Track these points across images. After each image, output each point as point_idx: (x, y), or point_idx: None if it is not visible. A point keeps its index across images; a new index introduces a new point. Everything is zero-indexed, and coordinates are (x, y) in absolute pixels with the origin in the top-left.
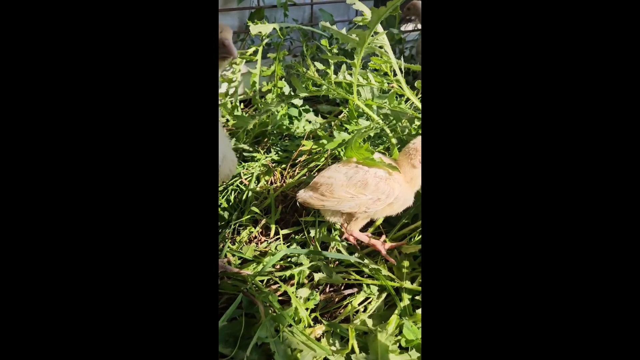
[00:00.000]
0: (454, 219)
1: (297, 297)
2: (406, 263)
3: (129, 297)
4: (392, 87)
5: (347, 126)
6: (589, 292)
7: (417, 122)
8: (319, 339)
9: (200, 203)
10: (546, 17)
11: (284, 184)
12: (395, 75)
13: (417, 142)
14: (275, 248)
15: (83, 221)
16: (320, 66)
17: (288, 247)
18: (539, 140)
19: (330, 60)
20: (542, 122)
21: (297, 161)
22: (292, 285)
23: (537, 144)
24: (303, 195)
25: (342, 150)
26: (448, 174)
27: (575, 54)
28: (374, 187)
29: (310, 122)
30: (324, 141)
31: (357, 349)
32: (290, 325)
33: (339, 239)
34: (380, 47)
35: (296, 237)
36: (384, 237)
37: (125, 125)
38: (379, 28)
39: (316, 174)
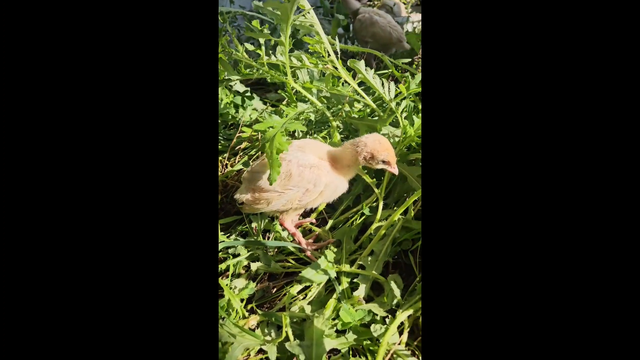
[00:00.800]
0: (453, 216)
1: (231, 288)
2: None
3: (128, 296)
4: (327, 68)
5: (285, 109)
6: (579, 289)
7: (357, 105)
8: (253, 330)
9: (200, 199)
10: (544, 19)
11: (224, 172)
12: (329, 56)
13: (368, 141)
14: None
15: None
16: (250, 47)
17: (228, 237)
18: (536, 144)
19: (261, 41)
20: (540, 127)
21: (237, 149)
22: (227, 277)
23: (535, 148)
24: (239, 197)
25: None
26: (447, 172)
27: (574, 52)
28: (299, 177)
29: (256, 110)
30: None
31: (291, 337)
32: (223, 318)
33: (280, 227)
34: (311, 25)
35: (238, 227)
36: (317, 230)
37: (121, 125)
38: (306, 5)
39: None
